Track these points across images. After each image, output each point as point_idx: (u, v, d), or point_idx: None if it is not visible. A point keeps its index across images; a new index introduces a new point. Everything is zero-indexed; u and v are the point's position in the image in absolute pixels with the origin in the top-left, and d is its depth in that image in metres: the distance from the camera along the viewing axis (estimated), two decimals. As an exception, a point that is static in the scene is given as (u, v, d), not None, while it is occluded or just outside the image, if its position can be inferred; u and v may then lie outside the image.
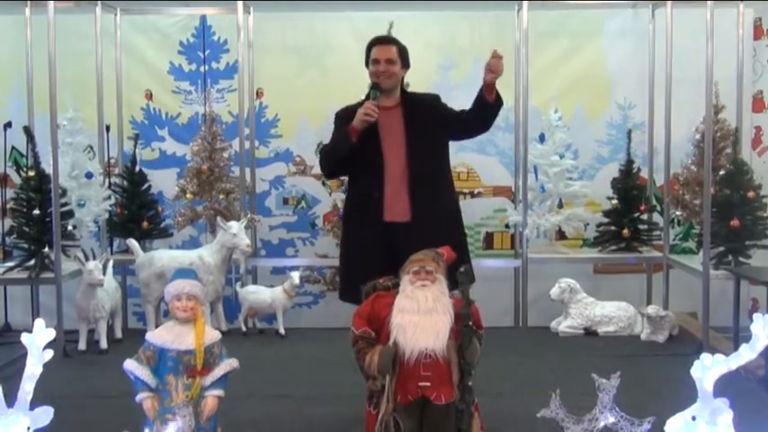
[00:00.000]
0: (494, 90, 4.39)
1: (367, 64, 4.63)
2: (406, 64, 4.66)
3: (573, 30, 7.48)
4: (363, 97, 4.66)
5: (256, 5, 7.34)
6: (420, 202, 4.46)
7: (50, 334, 2.87)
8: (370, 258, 4.32)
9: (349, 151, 4.46)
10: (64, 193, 6.36)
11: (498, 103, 4.47)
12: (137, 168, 7.20)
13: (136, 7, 7.43)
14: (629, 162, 7.16)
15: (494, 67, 4.32)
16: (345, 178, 6.96)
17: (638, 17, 7.44)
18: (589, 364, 3.80)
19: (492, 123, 4.64)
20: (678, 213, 6.89)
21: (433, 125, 4.54)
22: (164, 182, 7.47)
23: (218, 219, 6.65)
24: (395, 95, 4.62)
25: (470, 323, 3.37)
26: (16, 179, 7.06)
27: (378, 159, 4.47)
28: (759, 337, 2.73)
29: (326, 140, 7.29)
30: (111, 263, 6.58)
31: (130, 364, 3.54)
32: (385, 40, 4.69)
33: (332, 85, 7.34)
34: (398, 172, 4.47)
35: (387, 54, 4.54)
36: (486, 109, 4.47)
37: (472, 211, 7.50)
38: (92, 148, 7.25)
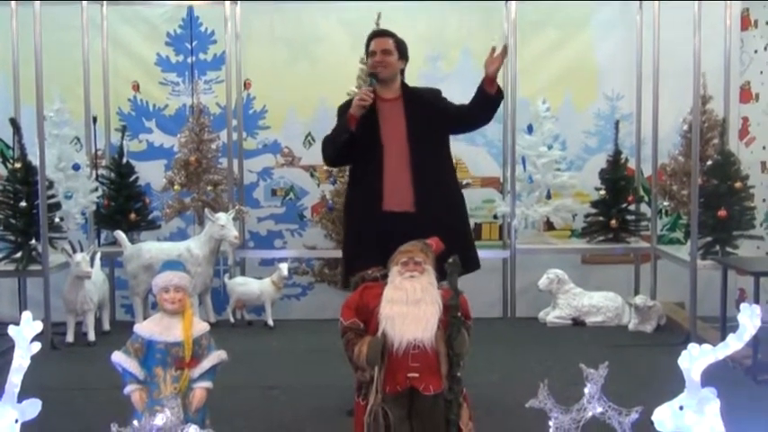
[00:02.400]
0: (495, 82, 4.49)
1: (367, 58, 4.72)
2: (403, 56, 4.73)
3: (561, 21, 7.49)
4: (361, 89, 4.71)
5: (244, -4, 7.32)
6: (423, 192, 4.51)
7: (38, 326, 2.87)
8: (370, 248, 4.32)
9: (348, 139, 4.50)
10: (51, 185, 6.33)
11: (499, 95, 4.56)
12: (124, 160, 7.19)
13: (122, -2, 7.41)
14: (617, 153, 7.18)
15: (498, 62, 4.44)
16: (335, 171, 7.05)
17: (625, 9, 7.45)
18: (577, 354, 3.82)
19: (492, 117, 4.74)
20: (666, 204, 6.91)
21: (434, 118, 4.60)
22: (151, 173, 7.45)
23: (206, 210, 6.63)
24: (395, 87, 4.68)
25: (459, 314, 3.36)
26: (2, 171, 7.02)
27: (377, 150, 4.51)
28: (746, 326, 2.74)
29: (315, 132, 7.43)
30: (98, 255, 6.57)
31: (118, 357, 3.53)
32: (382, 33, 4.76)
33: (320, 77, 7.33)
34: (399, 163, 4.52)
35: (383, 45, 4.62)
36: (487, 102, 4.54)
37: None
38: (79, 139, 7.24)
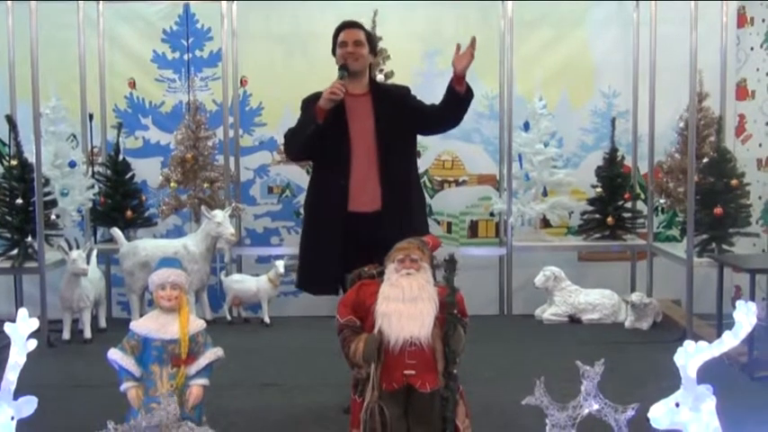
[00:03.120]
0: (463, 81, 4.32)
1: (334, 51, 4.58)
2: (372, 50, 4.63)
3: (558, 18, 7.49)
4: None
5: (240, -7, 7.30)
6: (390, 193, 4.39)
7: (34, 324, 2.87)
8: (332, 250, 4.29)
9: (315, 133, 4.33)
10: (47, 182, 6.33)
11: (469, 94, 4.39)
12: (120, 157, 7.18)
13: (119, -5, 7.39)
14: (614, 150, 7.19)
15: (467, 59, 4.26)
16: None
17: (622, 6, 7.46)
18: (573, 352, 3.82)
19: (462, 117, 4.54)
20: (662, 201, 6.92)
21: (402, 116, 4.46)
22: (148, 171, 7.44)
23: (203, 208, 6.63)
24: (363, 82, 4.54)
25: (455, 311, 3.37)
26: (-1, 168, 7.01)
27: (344, 146, 4.37)
28: (742, 324, 2.75)
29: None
30: (94, 252, 6.57)
31: (115, 354, 3.53)
32: (352, 24, 4.59)
33: (316, 74, 7.19)
34: (366, 160, 4.39)
35: (355, 36, 4.49)
36: (456, 102, 4.39)
37: (457, 200, 7.52)
38: (75, 136, 7.23)
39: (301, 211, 7.44)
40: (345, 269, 3.79)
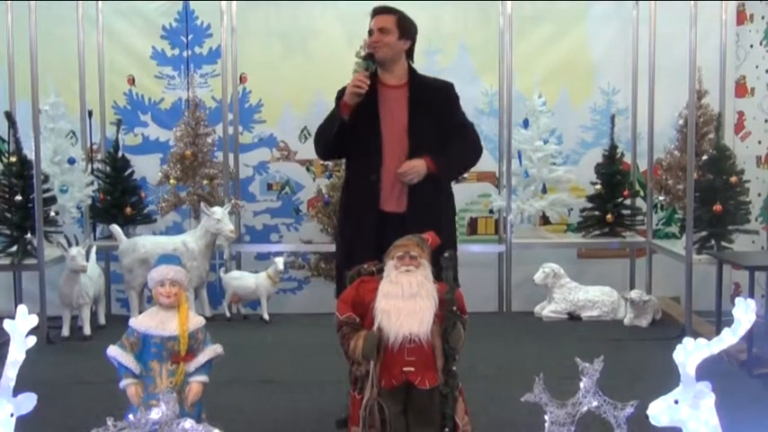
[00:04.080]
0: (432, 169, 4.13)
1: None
2: (406, 35, 4.22)
3: (557, 15, 7.48)
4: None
5: (240, -10, 7.30)
6: (418, 191, 4.13)
7: (33, 320, 2.87)
8: (368, 250, 3.94)
9: (341, 128, 4.09)
10: (46, 178, 6.32)
11: (439, 172, 4.20)
12: (119, 154, 7.17)
13: (118, -8, 7.38)
14: (613, 147, 7.18)
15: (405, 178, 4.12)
16: (330, 164, 7.03)
17: (621, 3, 7.45)
18: (572, 349, 3.82)
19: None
20: (661, 198, 6.92)
21: (439, 115, 4.20)
22: (147, 167, 7.43)
23: (202, 204, 6.62)
24: (398, 73, 4.25)
25: (454, 308, 3.37)
26: (-2, 165, 7.01)
27: (375, 140, 4.12)
28: (741, 321, 2.75)
29: (310, 126, 7.36)
30: (94, 249, 6.55)
31: (114, 351, 3.53)
32: (381, 10, 4.26)
33: (316, 71, 7.32)
34: (397, 156, 4.12)
35: (380, 23, 4.17)
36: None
37: (456, 197, 7.46)
38: (74, 133, 7.23)
39: (300, 207, 7.53)
40: None
